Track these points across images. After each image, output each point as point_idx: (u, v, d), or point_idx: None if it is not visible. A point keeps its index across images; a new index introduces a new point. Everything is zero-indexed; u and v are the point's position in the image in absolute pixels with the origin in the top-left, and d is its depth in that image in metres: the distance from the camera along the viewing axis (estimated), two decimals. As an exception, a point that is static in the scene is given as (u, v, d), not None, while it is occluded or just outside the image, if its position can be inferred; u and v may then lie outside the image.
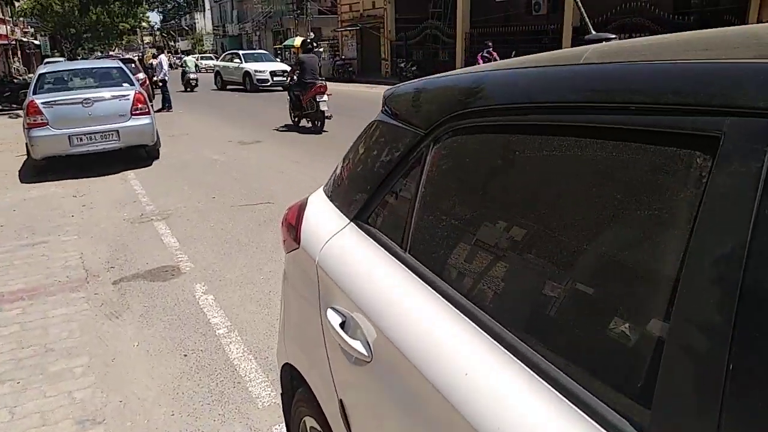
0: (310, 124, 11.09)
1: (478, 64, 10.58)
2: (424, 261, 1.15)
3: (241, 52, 24.99)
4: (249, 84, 21.89)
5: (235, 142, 10.27)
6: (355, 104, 15.08)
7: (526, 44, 19.43)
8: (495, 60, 7.90)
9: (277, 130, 11.58)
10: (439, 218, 1.15)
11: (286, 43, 32.98)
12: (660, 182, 0.73)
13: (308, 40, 11.54)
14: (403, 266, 1.19)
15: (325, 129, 10.78)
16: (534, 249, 0.95)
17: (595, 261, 0.83)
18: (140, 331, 3.39)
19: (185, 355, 3.10)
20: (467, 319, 1.00)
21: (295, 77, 11.42)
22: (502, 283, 0.99)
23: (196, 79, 21.88)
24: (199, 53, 54.13)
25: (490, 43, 16.00)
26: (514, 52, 13.08)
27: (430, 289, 1.10)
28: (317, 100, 10.50)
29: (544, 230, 0.94)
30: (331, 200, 1.65)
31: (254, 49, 48.05)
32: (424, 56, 24.49)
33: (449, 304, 1.05)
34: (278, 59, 24.00)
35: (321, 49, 28.24)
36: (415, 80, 1.51)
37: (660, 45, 0.93)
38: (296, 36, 33.65)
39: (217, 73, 24.57)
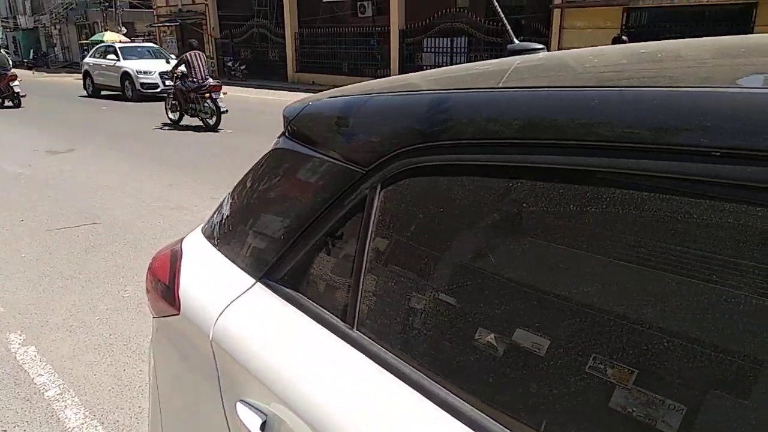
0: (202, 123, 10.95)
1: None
2: (382, 342, 0.90)
3: (117, 45, 18.24)
4: (131, 90, 16.46)
5: (42, 151, 8.92)
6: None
7: (353, 46, 19.81)
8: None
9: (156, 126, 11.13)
10: (401, 286, 0.90)
11: (94, 38, 29.74)
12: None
13: (191, 41, 11.00)
14: (352, 347, 0.93)
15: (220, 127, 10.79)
16: (532, 324, 0.75)
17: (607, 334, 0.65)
18: (-65, 406, 2.65)
19: (5, 431, 2.46)
20: (453, 417, 0.77)
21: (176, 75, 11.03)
22: (496, 369, 0.78)
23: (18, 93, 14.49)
24: (-17, 47, 47.10)
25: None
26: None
27: (396, 379, 0.85)
28: (214, 97, 10.55)
29: (542, 301, 0.74)
30: (218, 248, 1.31)
31: (53, 45, 42.73)
32: (253, 55, 23.75)
33: (422, 396, 0.82)
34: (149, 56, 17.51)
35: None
36: (327, 95, 1.23)
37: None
38: (105, 30, 30.61)
39: (86, 74, 18.36)
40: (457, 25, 16.38)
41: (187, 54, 10.83)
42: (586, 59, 0.99)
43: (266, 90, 18.92)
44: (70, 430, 2.46)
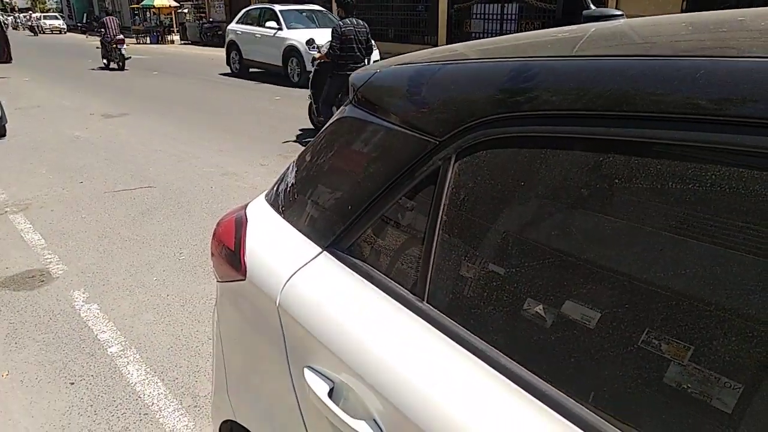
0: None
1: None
2: (453, 316, 0.89)
3: (277, 8, 13.30)
4: (296, 68, 12.27)
5: (98, 115, 9.18)
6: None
7: (400, 12, 19.44)
8: None
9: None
10: (475, 261, 0.89)
11: (145, 3, 30.18)
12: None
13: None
14: (422, 320, 0.93)
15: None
16: (610, 304, 0.73)
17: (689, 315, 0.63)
18: (8, 357, 2.81)
19: (72, 383, 2.60)
20: (524, 391, 0.77)
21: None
22: (572, 348, 0.76)
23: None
24: (41, 11, 48.28)
25: None
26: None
27: (468, 353, 0.85)
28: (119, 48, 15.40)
29: (623, 281, 0.72)
30: (283, 216, 1.32)
31: (106, 9, 43.31)
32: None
33: (495, 371, 0.81)
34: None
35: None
36: (399, 60, 1.21)
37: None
38: (156, -5, 30.96)
39: (232, 46, 14.42)
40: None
41: (104, 19, 16.10)
42: (679, 26, 0.94)
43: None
44: (132, 384, 2.58)
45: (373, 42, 7.07)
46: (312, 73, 7.46)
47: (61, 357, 2.80)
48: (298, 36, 11.95)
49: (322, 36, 9.74)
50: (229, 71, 14.78)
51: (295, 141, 7.19)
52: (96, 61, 17.37)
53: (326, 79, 6.90)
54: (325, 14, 14.30)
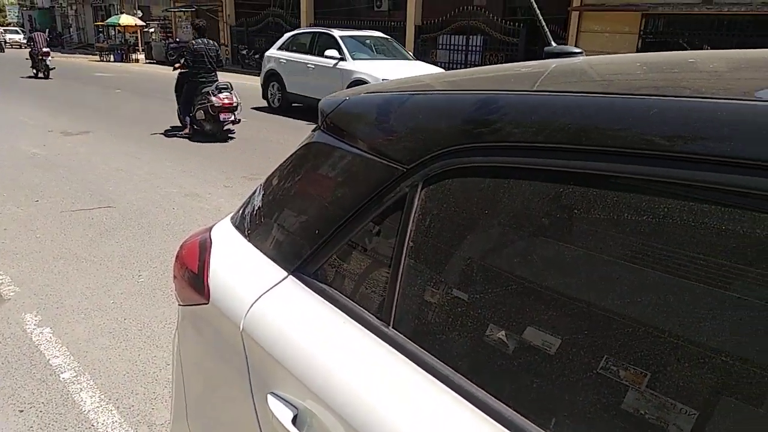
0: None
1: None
2: (419, 341, 0.90)
3: (337, 33, 11.22)
4: None
5: (57, 132, 8.96)
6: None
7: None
8: None
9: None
10: (440, 287, 0.91)
11: (110, 20, 29.82)
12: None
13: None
14: (388, 345, 0.93)
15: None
16: (573, 330, 0.75)
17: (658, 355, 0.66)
18: (-48, 382, 2.68)
19: (21, 411, 2.49)
20: (488, 417, 0.78)
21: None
22: (538, 374, 0.78)
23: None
24: (1, 26, 47.26)
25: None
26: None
27: (434, 379, 0.86)
28: (45, 59, 17.41)
29: (582, 308, 0.74)
30: (249, 239, 1.32)
31: (69, 26, 42.52)
32: (268, 44, 23.69)
33: (460, 397, 0.82)
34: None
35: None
36: (368, 89, 1.23)
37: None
38: (121, 13, 30.69)
39: (272, 75, 12.08)
40: (473, 24, 16.29)
41: (33, 34, 18.05)
42: (634, 66, 0.99)
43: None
44: (86, 412, 2.48)
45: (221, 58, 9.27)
46: (175, 81, 9.27)
47: (11, 383, 2.68)
48: (366, 68, 10.15)
49: (392, 70, 9.52)
50: (264, 105, 12.20)
51: (260, 163, 7.14)
52: (58, 78, 17.04)
53: (184, 85, 8.91)
54: (390, 42, 12.04)
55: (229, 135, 8.90)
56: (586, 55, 1.28)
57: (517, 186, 0.84)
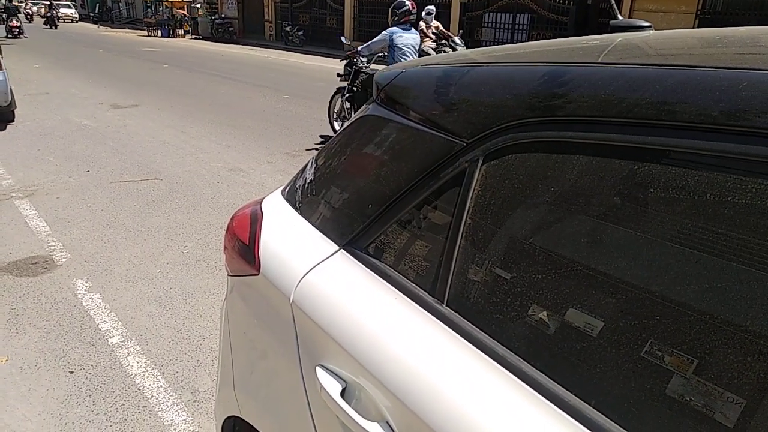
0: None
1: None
2: (473, 320, 0.88)
3: None
4: None
5: (107, 105, 9.18)
6: (244, 70, 14.19)
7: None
8: None
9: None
10: (498, 266, 0.88)
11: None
12: None
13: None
14: (441, 323, 0.91)
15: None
16: (637, 313, 0.72)
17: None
18: (8, 342, 2.79)
19: (71, 372, 2.59)
20: (546, 401, 0.75)
21: None
22: (593, 354, 0.75)
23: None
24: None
25: None
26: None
27: (488, 358, 0.84)
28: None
29: (648, 290, 0.71)
30: (300, 212, 1.31)
31: (118, 1, 43.04)
32: (312, 21, 23.71)
33: (515, 376, 0.80)
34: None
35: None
36: (425, 61, 1.20)
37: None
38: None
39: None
40: (520, 1, 15.89)
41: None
42: (713, 39, 0.93)
43: (322, 57, 18.89)
44: (132, 376, 2.56)
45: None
46: None
47: (62, 345, 2.78)
48: None
49: None
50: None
51: (303, 141, 7.18)
52: (108, 51, 17.41)
53: None
54: None
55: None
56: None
57: (586, 162, 0.80)
